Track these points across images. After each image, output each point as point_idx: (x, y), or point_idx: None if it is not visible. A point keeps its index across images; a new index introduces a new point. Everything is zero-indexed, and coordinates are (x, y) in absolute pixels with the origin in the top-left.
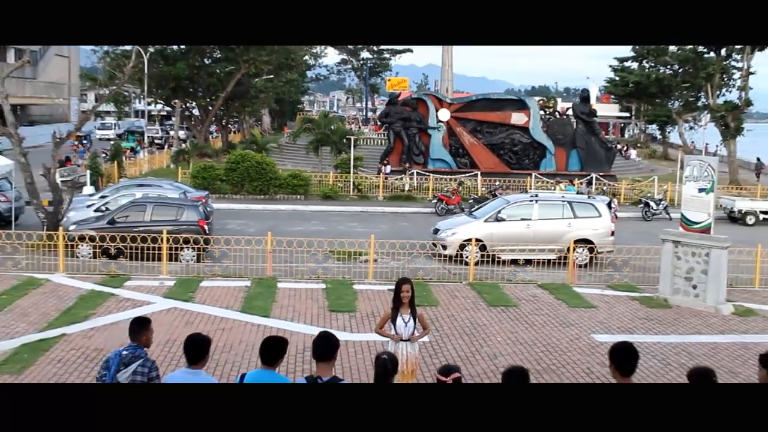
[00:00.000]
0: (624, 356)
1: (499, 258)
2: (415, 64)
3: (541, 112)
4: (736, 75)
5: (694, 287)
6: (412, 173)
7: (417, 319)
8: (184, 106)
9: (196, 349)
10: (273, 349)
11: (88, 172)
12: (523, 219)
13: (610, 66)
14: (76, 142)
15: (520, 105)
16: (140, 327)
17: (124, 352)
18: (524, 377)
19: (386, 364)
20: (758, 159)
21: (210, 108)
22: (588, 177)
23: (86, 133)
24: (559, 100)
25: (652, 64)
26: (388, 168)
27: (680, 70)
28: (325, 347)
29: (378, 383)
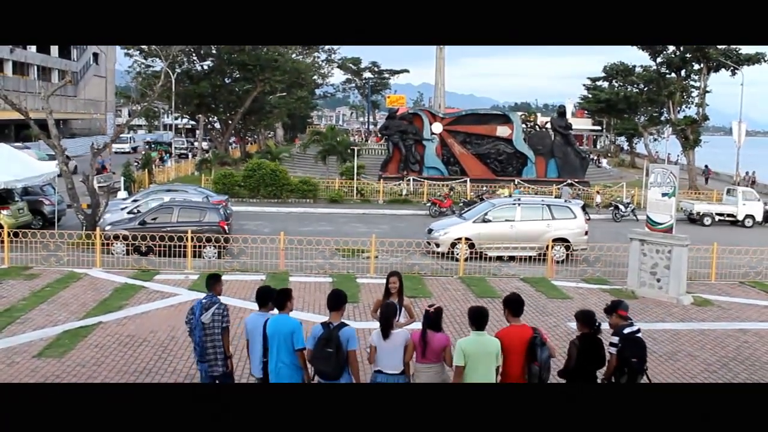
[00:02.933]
0: (513, 303)
1: (485, 255)
2: (411, 83)
3: (523, 126)
4: (695, 93)
5: (658, 280)
6: (409, 179)
7: (404, 308)
8: (207, 120)
9: (263, 296)
10: (279, 295)
11: (122, 178)
12: (507, 220)
13: (584, 85)
14: (148, 147)
15: (505, 119)
16: (214, 281)
17: (204, 300)
18: (484, 314)
19: (389, 307)
20: (706, 166)
21: (230, 122)
22: (568, 182)
23: (155, 139)
24: (539, 114)
25: (621, 84)
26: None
27: (645, 89)
28: (336, 300)
29: (383, 323)
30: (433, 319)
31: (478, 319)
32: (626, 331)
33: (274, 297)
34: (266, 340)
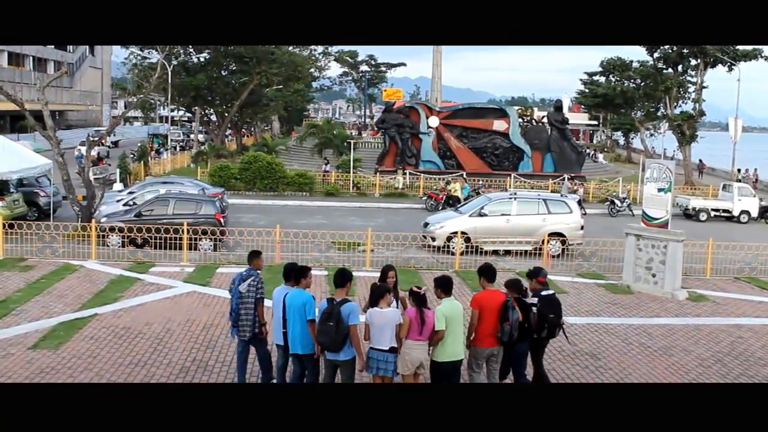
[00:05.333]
0: (487, 272)
1: (481, 249)
2: (408, 76)
3: (520, 120)
4: (691, 89)
5: (654, 275)
6: (406, 173)
7: (399, 301)
8: (203, 113)
9: (288, 272)
10: (297, 271)
11: (118, 170)
12: (503, 214)
13: (581, 79)
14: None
15: (501, 113)
16: (254, 256)
17: (243, 273)
18: (451, 280)
19: (380, 287)
20: (700, 160)
21: (226, 114)
22: (569, 176)
23: (164, 132)
24: (535, 109)
25: (618, 78)
26: (328, 166)
27: (642, 84)
28: (341, 278)
29: (371, 298)
30: (424, 298)
31: (447, 285)
32: (543, 293)
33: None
34: (285, 312)
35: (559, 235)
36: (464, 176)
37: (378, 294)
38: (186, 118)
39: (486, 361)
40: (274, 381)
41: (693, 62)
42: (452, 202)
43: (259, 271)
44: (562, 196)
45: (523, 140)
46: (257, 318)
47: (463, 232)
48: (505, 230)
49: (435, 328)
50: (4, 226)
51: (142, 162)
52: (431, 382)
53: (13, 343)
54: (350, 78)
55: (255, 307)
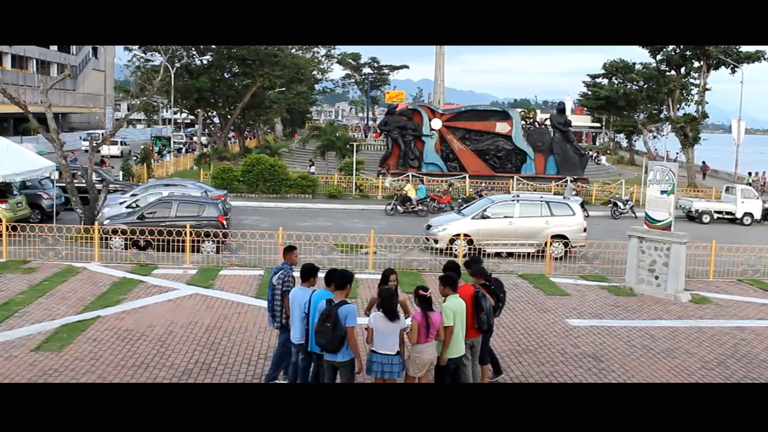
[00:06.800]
0: (452, 270)
1: (484, 251)
2: (411, 78)
3: (522, 122)
4: (694, 91)
5: (657, 278)
6: (408, 176)
7: (399, 304)
8: (206, 115)
9: (306, 272)
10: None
11: (121, 172)
12: (506, 217)
13: (584, 82)
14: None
15: (504, 116)
16: (288, 251)
17: (278, 266)
18: (455, 277)
19: (388, 291)
20: (703, 162)
21: (229, 117)
22: (573, 179)
23: (190, 133)
24: (538, 111)
25: (621, 81)
26: (313, 168)
27: (645, 86)
28: (341, 279)
29: (387, 306)
30: (430, 301)
31: (454, 282)
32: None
33: (316, 273)
34: (310, 310)
35: (562, 237)
36: (423, 179)
37: (390, 300)
38: (188, 121)
39: (470, 350)
40: (280, 379)
41: (696, 64)
42: (404, 202)
43: (292, 266)
44: (565, 198)
45: (525, 142)
46: (284, 309)
47: (465, 235)
48: (508, 232)
49: (444, 324)
50: (7, 228)
51: (145, 164)
52: (437, 380)
53: (16, 345)
54: (353, 80)
55: (281, 299)
